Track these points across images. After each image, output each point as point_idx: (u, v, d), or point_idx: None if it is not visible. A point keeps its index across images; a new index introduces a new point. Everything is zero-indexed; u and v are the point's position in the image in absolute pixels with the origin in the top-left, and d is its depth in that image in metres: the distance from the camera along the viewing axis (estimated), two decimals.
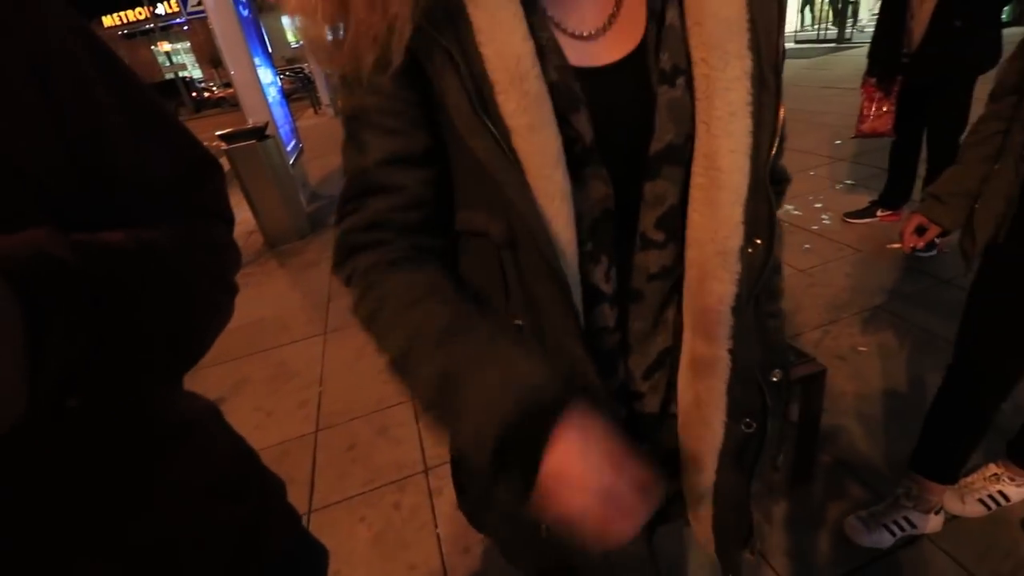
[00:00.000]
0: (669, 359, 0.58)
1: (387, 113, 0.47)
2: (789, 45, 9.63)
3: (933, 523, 1.34)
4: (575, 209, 0.47)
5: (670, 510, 0.69)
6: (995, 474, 1.39)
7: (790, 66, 7.84)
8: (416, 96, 0.46)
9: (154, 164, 0.47)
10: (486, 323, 0.47)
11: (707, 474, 0.58)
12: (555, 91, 0.44)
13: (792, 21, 9.54)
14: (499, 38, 0.42)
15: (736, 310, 0.50)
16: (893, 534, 1.33)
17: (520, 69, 0.42)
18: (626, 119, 0.48)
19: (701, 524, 0.64)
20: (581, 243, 0.49)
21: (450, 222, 0.53)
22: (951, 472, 1.32)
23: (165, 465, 0.49)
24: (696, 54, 0.46)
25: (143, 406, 0.48)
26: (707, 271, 0.50)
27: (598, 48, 0.48)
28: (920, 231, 1.21)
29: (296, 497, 1.77)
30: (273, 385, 2.47)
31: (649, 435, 0.62)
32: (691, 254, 0.51)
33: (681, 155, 0.49)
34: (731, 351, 0.52)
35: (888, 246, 1.48)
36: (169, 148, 0.50)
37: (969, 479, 1.41)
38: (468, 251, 0.54)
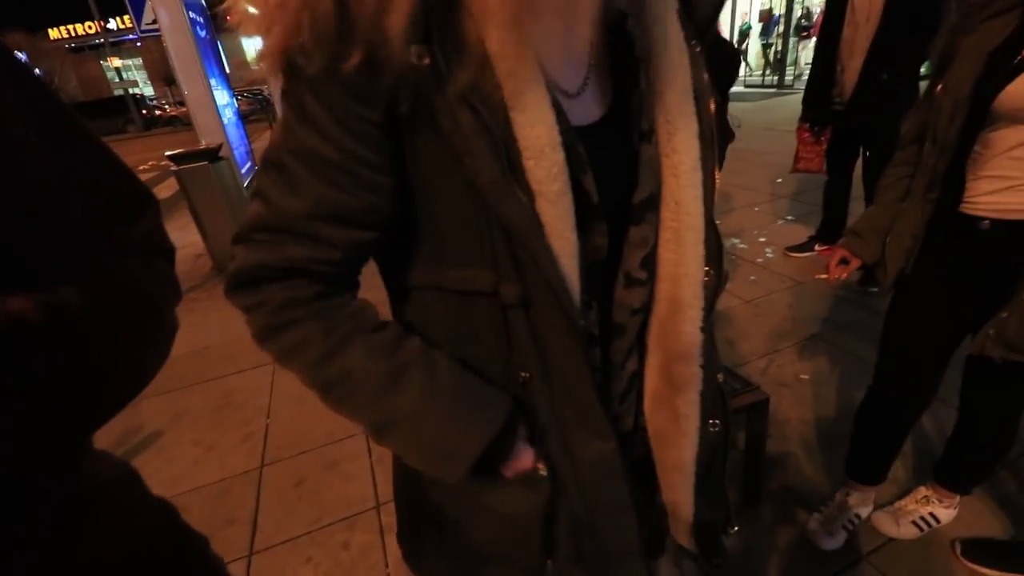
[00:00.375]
0: (636, 381, 0.64)
1: (339, 168, 0.45)
2: (737, 89, 10.31)
3: (870, 511, 1.52)
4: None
5: (664, 539, 0.74)
6: (925, 496, 1.47)
7: (736, 108, 8.34)
8: (377, 159, 0.45)
9: (77, 199, 0.44)
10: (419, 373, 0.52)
11: (688, 481, 0.64)
12: (568, 153, 0.46)
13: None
14: (531, 108, 0.43)
15: (703, 329, 0.57)
16: (847, 530, 1.47)
17: (550, 136, 0.43)
18: (616, 173, 0.53)
19: (683, 530, 0.69)
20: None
21: (356, 289, 0.54)
22: (876, 475, 1.48)
23: (64, 546, 0.44)
24: (660, 117, 0.53)
25: (38, 475, 0.43)
26: (682, 301, 0.57)
27: (583, 106, 0.51)
28: (844, 263, 1.33)
29: (237, 538, 1.70)
30: (216, 417, 2.34)
31: (627, 451, 0.67)
32: (663, 287, 0.58)
33: (656, 202, 0.56)
34: (703, 367, 0.59)
35: (816, 276, 1.59)
36: (95, 181, 0.46)
37: (902, 502, 1.49)
38: (450, 309, 0.53)
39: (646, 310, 0.59)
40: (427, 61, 0.39)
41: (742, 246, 3.43)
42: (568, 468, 0.56)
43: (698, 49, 0.54)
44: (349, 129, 0.43)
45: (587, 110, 0.52)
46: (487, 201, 0.44)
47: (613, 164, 0.53)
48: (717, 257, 0.58)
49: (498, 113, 0.42)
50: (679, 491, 0.65)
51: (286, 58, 0.42)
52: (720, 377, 0.65)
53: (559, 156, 0.44)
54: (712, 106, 0.55)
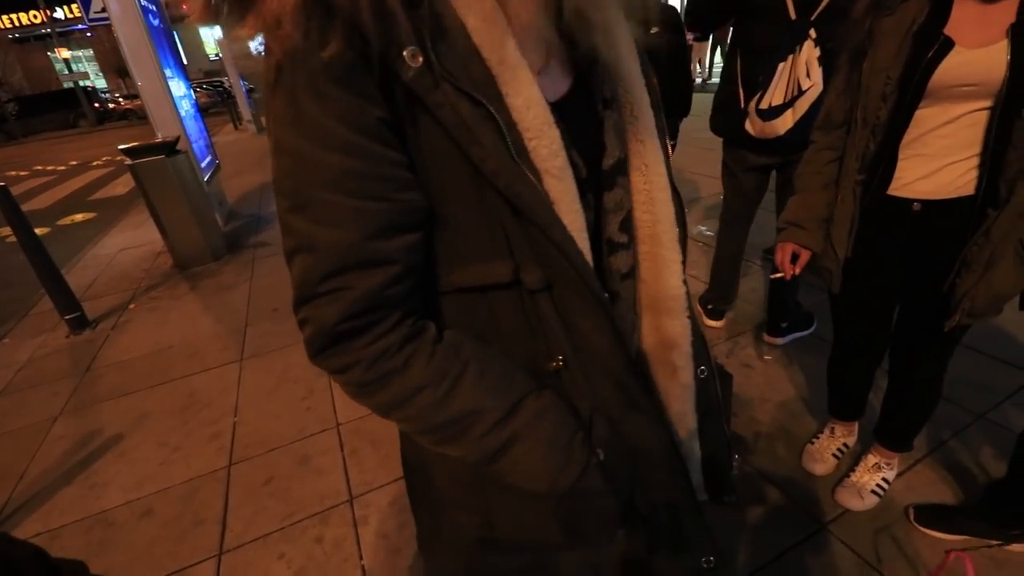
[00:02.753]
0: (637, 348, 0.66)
1: (371, 177, 0.43)
2: (700, 81, 10.47)
3: (856, 440, 1.72)
4: None
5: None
6: (875, 464, 1.55)
7: (701, 100, 8.48)
8: (403, 157, 0.44)
9: None
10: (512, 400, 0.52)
11: (690, 427, 0.66)
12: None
13: None
14: (524, 91, 0.45)
15: (684, 283, 0.60)
16: (836, 458, 1.66)
17: (546, 115, 0.45)
18: (587, 142, 0.55)
19: (694, 472, 0.70)
20: None
21: (435, 280, 0.52)
22: (853, 412, 1.65)
23: None
24: (620, 87, 0.56)
25: None
26: (664, 258, 0.59)
27: (551, 83, 0.52)
28: (794, 258, 1.34)
29: (206, 537, 1.67)
30: (181, 418, 2.28)
31: None
32: (644, 249, 0.60)
33: (625, 167, 0.58)
34: (689, 318, 0.61)
35: (771, 276, 1.64)
36: None
37: (856, 475, 1.56)
38: (474, 308, 0.52)
39: (633, 274, 0.61)
40: (421, 60, 0.40)
41: (709, 233, 3.50)
42: (617, 446, 0.57)
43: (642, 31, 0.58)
44: (367, 132, 0.42)
45: (555, 85, 0.53)
46: (498, 187, 0.44)
47: (586, 134, 0.55)
48: (681, 215, 0.61)
49: (496, 100, 0.43)
50: (683, 442, 0.67)
51: (279, 51, 0.40)
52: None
53: (556, 132, 0.46)
54: (655, 80, 0.60)
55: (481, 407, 0.50)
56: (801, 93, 1.73)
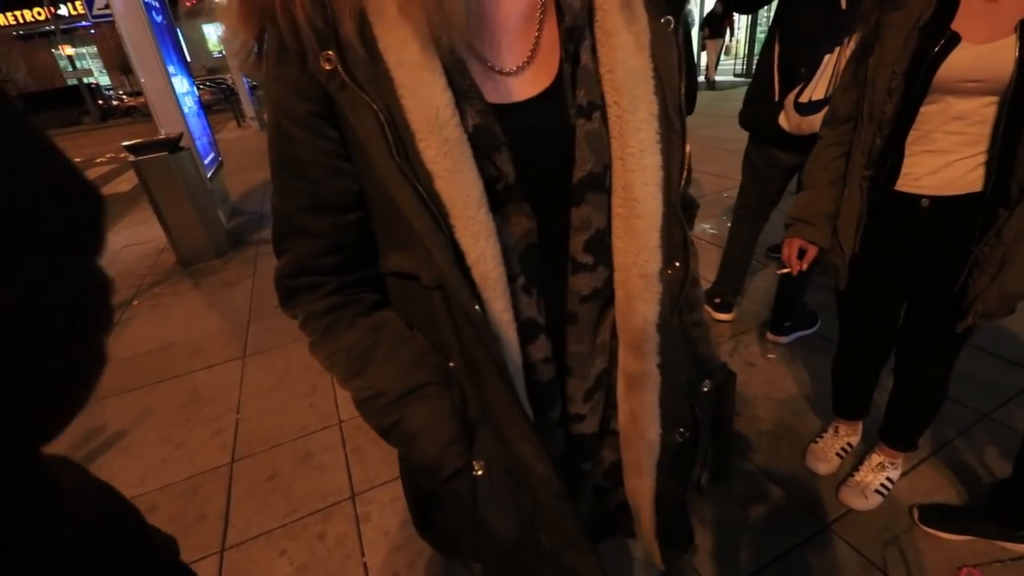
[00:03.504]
0: (607, 380, 0.61)
1: (300, 161, 0.49)
2: (704, 79, 10.44)
3: (859, 439, 1.70)
4: (502, 245, 0.49)
5: (613, 524, 0.71)
6: (880, 463, 1.54)
7: (705, 97, 8.46)
8: (332, 146, 0.49)
9: (16, 193, 0.37)
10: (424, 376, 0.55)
11: (647, 483, 0.62)
12: (478, 133, 0.47)
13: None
14: (419, 92, 0.44)
15: (660, 327, 0.55)
16: (840, 457, 1.65)
17: (440, 118, 0.44)
18: (547, 150, 0.52)
19: (646, 533, 0.67)
20: (512, 278, 0.51)
21: (375, 261, 0.57)
22: (857, 412, 1.64)
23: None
24: (609, 97, 0.51)
25: None
26: (632, 293, 0.54)
27: (519, 83, 0.51)
28: (801, 253, 1.33)
29: (209, 534, 1.66)
30: (184, 414, 2.28)
31: (592, 453, 0.66)
32: (618, 277, 0.55)
33: (601, 183, 0.53)
34: (660, 366, 0.56)
35: (778, 272, 1.63)
36: (32, 175, 0.39)
37: (860, 475, 1.55)
38: (402, 293, 0.56)
39: (600, 298, 0.57)
40: (334, 63, 0.43)
41: (712, 231, 3.49)
42: (506, 467, 0.54)
43: (671, 27, 0.51)
44: (298, 122, 0.48)
45: (522, 87, 0.51)
46: (387, 187, 0.46)
47: (547, 141, 0.51)
48: (683, 251, 0.55)
49: (389, 100, 0.44)
50: (639, 494, 0.64)
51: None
52: (706, 386, 0.63)
53: (450, 134, 0.45)
54: (682, 86, 0.52)
55: (381, 384, 0.54)
56: None
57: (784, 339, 2.28)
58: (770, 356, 2.23)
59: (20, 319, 0.35)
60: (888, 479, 1.53)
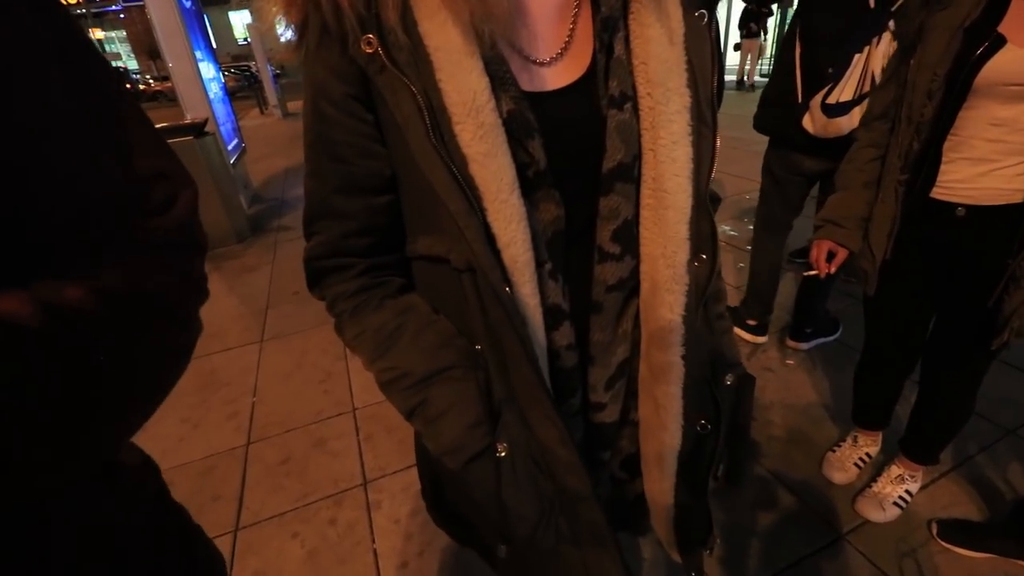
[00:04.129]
0: (628, 369, 0.62)
1: (341, 144, 0.50)
2: (728, 77, 10.27)
3: (879, 450, 1.67)
4: (531, 231, 0.49)
5: (632, 515, 0.71)
6: (899, 475, 1.52)
7: (728, 97, 8.33)
8: (368, 128, 0.50)
9: (100, 176, 0.36)
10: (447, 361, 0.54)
11: (668, 475, 0.62)
12: (512, 120, 0.47)
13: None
14: (457, 76, 0.44)
15: (686, 319, 0.55)
16: (858, 467, 1.63)
17: (476, 102, 0.45)
18: (578, 139, 0.52)
19: (664, 526, 0.68)
20: (540, 264, 0.51)
21: (404, 245, 0.57)
22: (877, 422, 1.61)
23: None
24: (642, 88, 0.51)
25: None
26: (659, 283, 0.54)
27: (553, 73, 0.51)
28: (829, 256, 1.30)
29: (223, 514, 1.69)
30: (201, 395, 2.32)
31: (611, 442, 0.66)
32: (645, 268, 0.56)
33: (630, 173, 0.53)
34: (684, 357, 0.56)
35: (805, 274, 1.59)
36: (123, 157, 0.38)
37: (878, 486, 1.52)
38: (429, 276, 0.56)
39: (625, 288, 0.58)
40: (375, 46, 0.44)
41: (732, 233, 3.44)
42: (529, 451, 0.54)
43: (704, 21, 0.52)
44: (335, 103, 0.48)
45: (556, 76, 0.51)
46: (423, 170, 0.46)
47: (578, 130, 0.52)
48: (710, 243, 0.56)
49: (428, 84, 0.45)
50: (659, 486, 0.64)
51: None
52: (728, 379, 0.63)
53: (486, 119, 0.45)
54: (715, 81, 0.53)
55: (407, 366, 0.53)
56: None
57: (804, 345, 2.24)
58: (789, 362, 2.19)
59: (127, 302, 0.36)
60: (907, 492, 1.50)
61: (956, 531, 1.40)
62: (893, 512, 1.48)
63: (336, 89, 0.48)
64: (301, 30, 0.47)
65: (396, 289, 0.58)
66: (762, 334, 2.32)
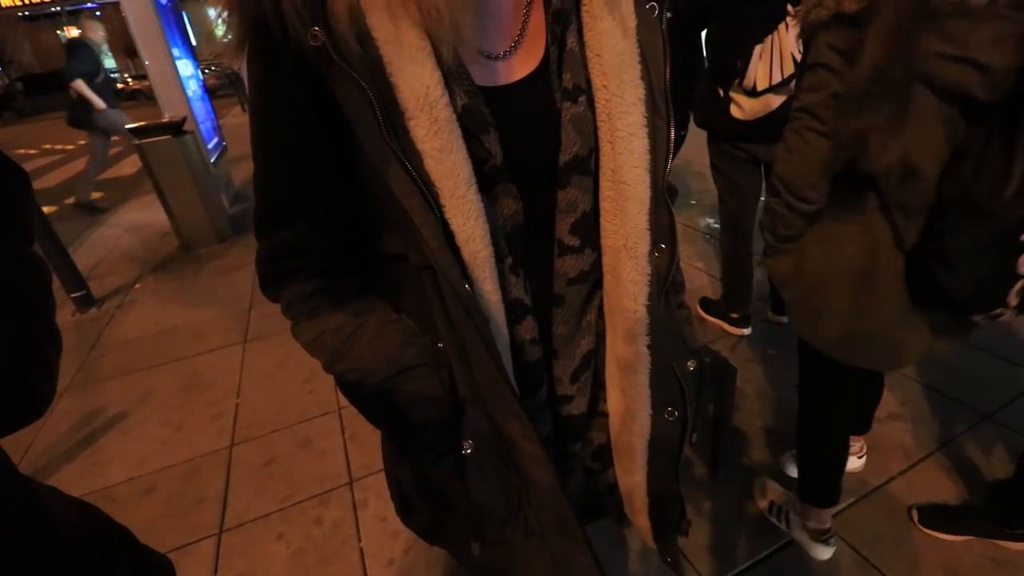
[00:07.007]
0: (594, 361, 0.62)
1: (288, 144, 0.49)
2: None
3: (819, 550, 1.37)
4: (490, 226, 0.49)
5: (606, 503, 0.71)
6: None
7: None
8: (317, 127, 0.48)
9: None
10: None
11: (639, 464, 0.63)
12: (466, 114, 0.46)
13: None
14: (408, 70, 0.43)
15: (651, 309, 0.55)
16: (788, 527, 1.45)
17: (429, 97, 0.44)
18: (534, 132, 0.52)
19: (638, 513, 0.68)
20: (500, 259, 0.51)
21: (361, 246, 0.56)
22: (834, 498, 1.35)
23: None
24: (597, 81, 0.51)
25: None
26: (622, 275, 0.54)
27: (506, 67, 0.51)
28: None
29: (207, 516, 1.67)
30: (185, 397, 2.29)
31: (581, 434, 0.66)
32: (607, 260, 0.56)
33: (587, 166, 0.53)
34: (650, 347, 0.57)
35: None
36: None
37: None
38: (390, 275, 0.55)
39: (587, 281, 0.58)
40: (321, 40, 0.42)
41: (715, 226, 3.47)
42: (495, 446, 0.55)
43: (656, 13, 0.52)
44: (286, 106, 0.47)
45: (509, 70, 0.51)
46: (374, 167, 0.45)
47: (533, 123, 0.52)
48: (669, 233, 0.56)
49: (379, 78, 0.43)
50: (630, 475, 0.64)
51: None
52: (691, 364, 0.63)
53: (440, 114, 0.44)
54: (667, 73, 0.53)
55: (369, 366, 0.53)
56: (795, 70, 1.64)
57: (786, 319, 2.28)
58: (771, 352, 2.22)
59: None
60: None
61: (936, 516, 1.43)
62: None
63: (281, 88, 0.46)
64: (242, 28, 0.45)
65: (354, 290, 0.56)
66: (745, 326, 2.36)
